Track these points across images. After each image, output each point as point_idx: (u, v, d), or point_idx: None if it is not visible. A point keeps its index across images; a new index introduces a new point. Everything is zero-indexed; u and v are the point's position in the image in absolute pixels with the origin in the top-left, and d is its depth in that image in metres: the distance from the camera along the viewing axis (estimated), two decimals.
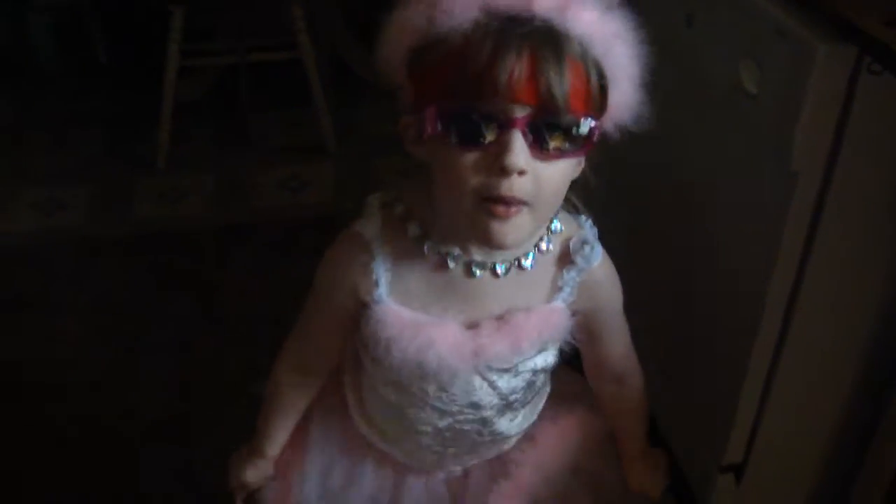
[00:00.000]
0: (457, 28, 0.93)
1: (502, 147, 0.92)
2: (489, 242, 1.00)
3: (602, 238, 1.18)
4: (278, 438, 1.34)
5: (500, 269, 1.09)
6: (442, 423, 1.21)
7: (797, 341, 1.51)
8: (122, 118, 3.42)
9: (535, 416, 1.33)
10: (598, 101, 0.97)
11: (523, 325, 1.11)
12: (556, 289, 1.14)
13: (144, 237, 2.82)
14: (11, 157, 3.20)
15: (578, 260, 1.13)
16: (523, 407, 1.27)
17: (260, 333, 2.33)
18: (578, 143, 0.96)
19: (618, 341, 1.29)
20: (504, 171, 0.93)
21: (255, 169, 3.14)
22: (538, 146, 0.94)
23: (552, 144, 0.94)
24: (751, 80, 1.38)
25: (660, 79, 1.65)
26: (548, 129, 0.93)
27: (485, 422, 1.22)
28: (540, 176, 0.95)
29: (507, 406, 1.23)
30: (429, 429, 1.22)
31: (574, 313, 1.15)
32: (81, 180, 3.07)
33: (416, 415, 1.21)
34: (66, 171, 3.13)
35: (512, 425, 1.28)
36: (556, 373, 1.32)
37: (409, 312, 1.10)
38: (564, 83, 0.91)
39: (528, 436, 1.33)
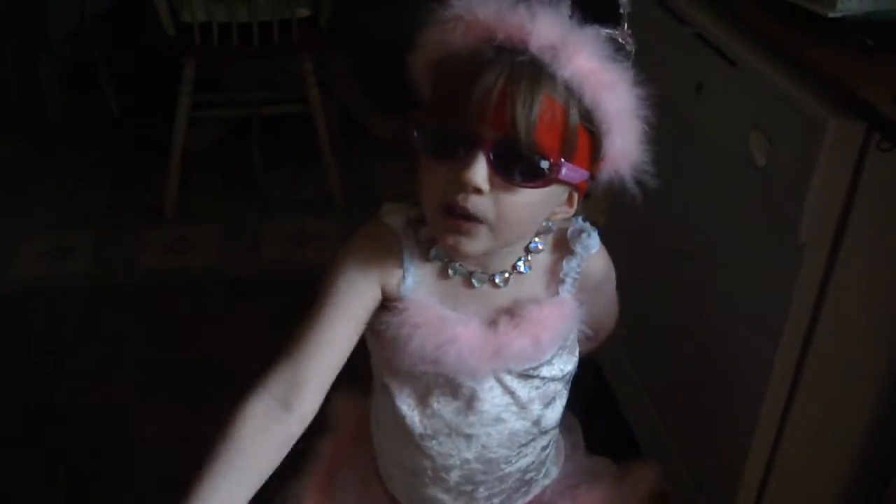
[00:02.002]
0: (458, 52, 1.00)
1: (466, 164, 0.98)
2: (452, 251, 1.07)
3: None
4: None
5: (498, 280, 1.13)
6: (470, 453, 1.20)
7: (803, 411, 1.51)
8: (132, 168, 3.44)
9: (558, 465, 1.34)
10: (572, 144, 1.00)
11: (538, 317, 1.13)
12: (558, 280, 1.16)
13: (150, 287, 2.82)
14: (20, 205, 3.21)
15: (577, 248, 1.16)
16: (551, 430, 1.26)
17: None
18: (538, 177, 0.99)
19: (608, 310, 1.32)
20: (462, 186, 0.98)
21: (262, 222, 3.16)
22: (499, 171, 0.98)
23: (513, 172, 0.98)
24: (760, 152, 1.39)
25: (670, 146, 1.67)
26: (511, 157, 0.98)
27: (512, 442, 1.21)
28: (502, 200, 1.00)
29: (535, 426, 1.22)
30: (457, 461, 1.20)
31: (581, 303, 1.17)
32: (89, 229, 3.09)
33: (445, 446, 1.19)
34: (74, 220, 3.15)
35: (542, 454, 1.27)
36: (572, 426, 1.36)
37: (437, 306, 1.11)
38: (532, 116, 0.96)
39: None
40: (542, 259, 1.16)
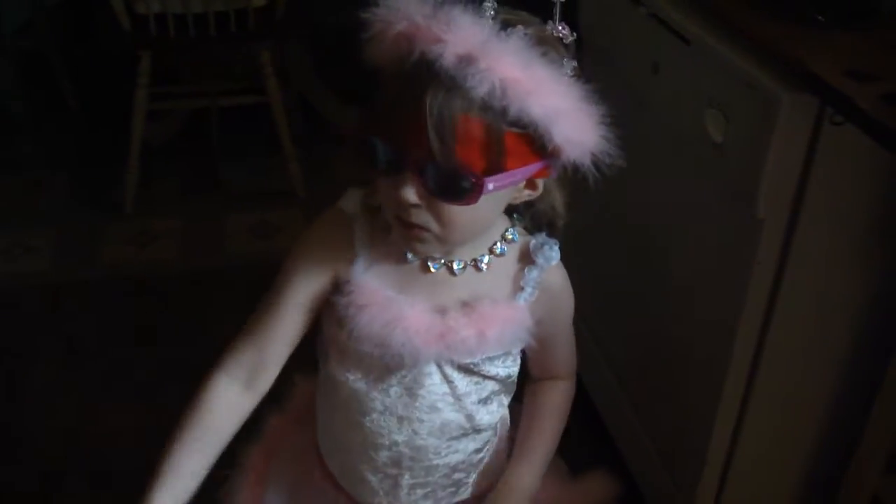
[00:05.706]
0: (386, 66, 1.00)
1: (398, 182, 1.00)
2: (411, 252, 1.11)
3: (572, 282, 1.21)
4: (178, 484, 1.13)
5: (456, 267, 1.14)
6: (401, 436, 1.21)
7: (766, 386, 1.53)
8: (91, 163, 3.41)
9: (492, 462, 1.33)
10: (498, 155, 0.99)
11: (489, 314, 1.14)
12: (517, 288, 1.17)
13: (111, 282, 2.80)
14: None
15: (538, 258, 1.17)
16: (484, 430, 1.27)
17: None
18: (462, 195, 0.99)
19: (564, 351, 1.32)
20: (398, 204, 1.01)
21: (224, 214, 3.14)
22: (427, 189, 0.99)
23: (439, 190, 0.99)
24: (716, 129, 1.40)
25: (629, 127, 1.68)
26: (435, 177, 0.98)
27: (443, 433, 1.22)
28: (440, 211, 1.01)
29: (469, 421, 1.23)
30: (386, 441, 1.21)
31: (534, 320, 1.18)
32: (48, 225, 3.06)
33: (377, 423, 1.20)
34: (34, 216, 3.11)
35: (473, 457, 1.28)
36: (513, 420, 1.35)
37: (384, 289, 1.12)
38: (448, 139, 0.95)
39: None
40: (507, 267, 1.17)
